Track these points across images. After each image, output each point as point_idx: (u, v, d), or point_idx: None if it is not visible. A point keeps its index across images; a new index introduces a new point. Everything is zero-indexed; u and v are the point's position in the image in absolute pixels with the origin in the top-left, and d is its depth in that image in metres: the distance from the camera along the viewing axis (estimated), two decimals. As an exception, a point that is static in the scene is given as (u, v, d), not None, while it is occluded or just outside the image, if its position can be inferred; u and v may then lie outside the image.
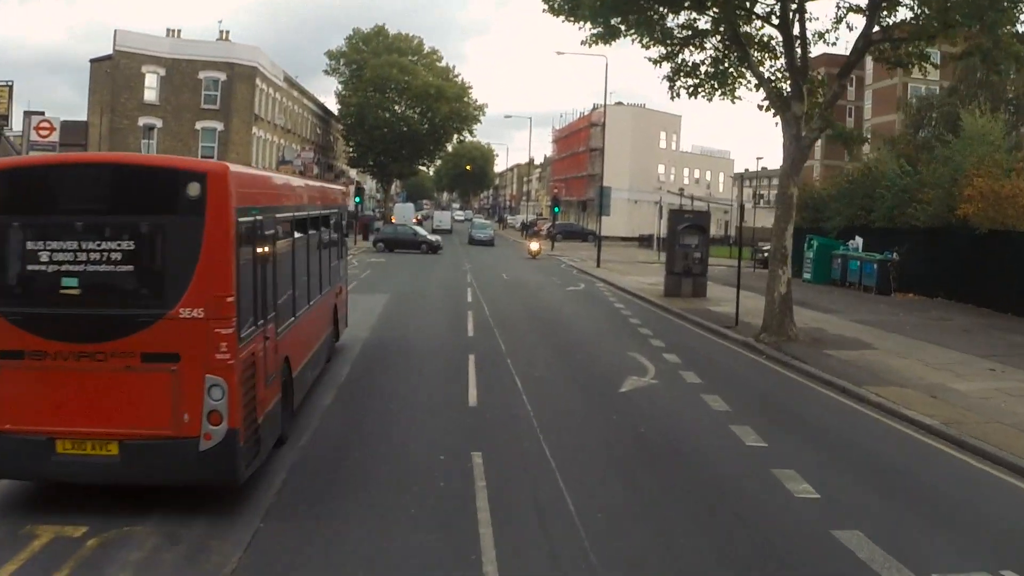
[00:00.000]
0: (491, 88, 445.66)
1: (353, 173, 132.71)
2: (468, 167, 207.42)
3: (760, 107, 26.66)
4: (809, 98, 25.22)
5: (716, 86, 28.47)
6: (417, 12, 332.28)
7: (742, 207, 33.04)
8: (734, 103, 29.58)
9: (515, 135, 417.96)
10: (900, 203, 41.77)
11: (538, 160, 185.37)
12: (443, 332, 25.21)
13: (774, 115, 25.96)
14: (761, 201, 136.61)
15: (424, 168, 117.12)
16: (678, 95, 28.85)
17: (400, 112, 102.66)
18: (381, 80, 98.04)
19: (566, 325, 27.86)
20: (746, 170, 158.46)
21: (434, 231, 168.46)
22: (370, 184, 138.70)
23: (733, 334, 26.11)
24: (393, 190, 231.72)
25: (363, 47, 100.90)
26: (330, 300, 19.05)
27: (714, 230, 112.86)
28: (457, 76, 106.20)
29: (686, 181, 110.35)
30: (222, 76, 67.44)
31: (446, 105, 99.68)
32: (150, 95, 66.27)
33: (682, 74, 28.56)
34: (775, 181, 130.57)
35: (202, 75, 67.23)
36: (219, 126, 67.30)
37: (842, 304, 35.52)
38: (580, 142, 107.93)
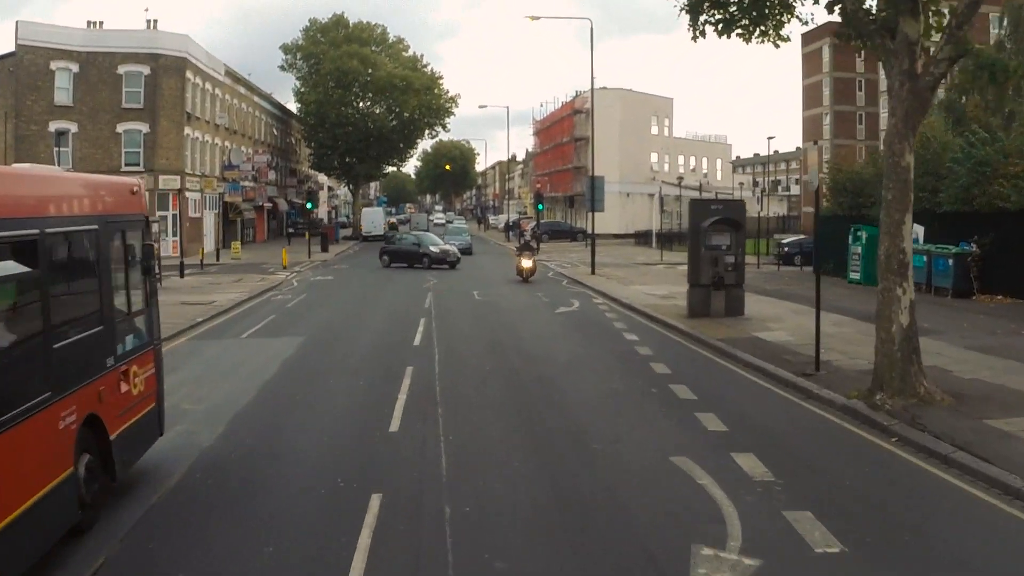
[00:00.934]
0: (466, 89, 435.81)
1: (323, 178, 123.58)
2: (447, 167, 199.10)
3: (839, 37, 17.53)
4: (928, 11, 15.95)
5: (755, 19, 19.17)
6: (384, 17, 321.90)
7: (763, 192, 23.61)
8: (778, 46, 19.96)
9: (497, 134, 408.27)
10: (979, 180, 32.45)
11: (520, 156, 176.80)
12: (350, 422, 15.30)
13: (862, 46, 16.81)
14: (765, 188, 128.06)
15: (396, 168, 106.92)
16: (702, 34, 19.54)
17: (365, 108, 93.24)
18: (341, 73, 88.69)
19: (558, 384, 18.20)
20: (755, 154, 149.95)
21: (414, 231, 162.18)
22: (344, 190, 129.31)
23: (822, 390, 16.66)
24: (372, 194, 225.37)
25: (321, 39, 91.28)
26: (89, 401, 9.77)
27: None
28: (426, 66, 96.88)
29: (681, 170, 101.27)
30: (145, 70, 58.25)
31: (415, 98, 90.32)
32: (62, 96, 57.11)
33: (707, 4, 19.32)
34: (784, 166, 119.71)
35: (122, 70, 58.09)
36: (144, 128, 58.20)
37: (923, 315, 26.24)
38: (563, 132, 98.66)
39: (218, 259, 56.80)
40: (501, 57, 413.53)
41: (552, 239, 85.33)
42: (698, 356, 21.91)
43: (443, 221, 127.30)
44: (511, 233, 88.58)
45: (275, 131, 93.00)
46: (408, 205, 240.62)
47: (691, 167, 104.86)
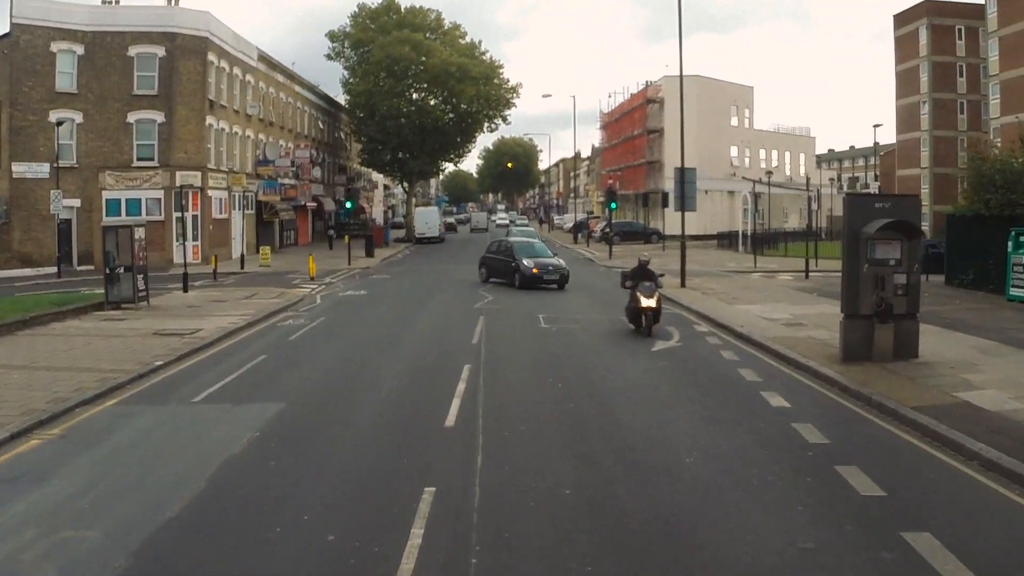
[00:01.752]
0: (528, 90, 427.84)
1: (378, 176, 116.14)
2: (509, 164, 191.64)
3: None
4: None
5: None
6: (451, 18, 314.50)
7: None
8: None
9: (559, 133, 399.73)
10: None
11: (584, 154, 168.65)
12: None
13: None
14: (865, 183, 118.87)
15: (453, 164, 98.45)
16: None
17: (418, 100, 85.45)
18: (392, 61, 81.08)
19: (700, 538, 9.61)
20: (829, 150, 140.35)
21: (472, 231, 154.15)
22: (401, 188, 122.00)
23: None
24: (432, 192, 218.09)
25: (370, 25, 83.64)
26: None
27: (795, 220, 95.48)
28: (484, 54, 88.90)
29: (763, 164, 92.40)
30: (160, 51, 51.13)
31: (472, 87, 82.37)
32: (65, 81, 50.19)
33: None
34: (862, 161, 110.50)
35: (133, 51, 51.03)
36: (159, 117, 51.03)
37: None
38: (634, 124, 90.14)
39: (243, 267, 49.29)
40: (562, 59, 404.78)
41: (623, 240, 77.08)
42: (898, 444, 13.41)
43: (506, 221, 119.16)
44: (580, 234, 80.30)
45: (320, 124, 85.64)
46: (470, 204, 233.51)
47: (773, 162, 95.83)
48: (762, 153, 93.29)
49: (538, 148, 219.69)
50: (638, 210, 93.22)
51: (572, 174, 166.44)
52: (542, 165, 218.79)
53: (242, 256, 50.65)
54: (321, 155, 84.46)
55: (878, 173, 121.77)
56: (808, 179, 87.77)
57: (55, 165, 48.11)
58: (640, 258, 26.03)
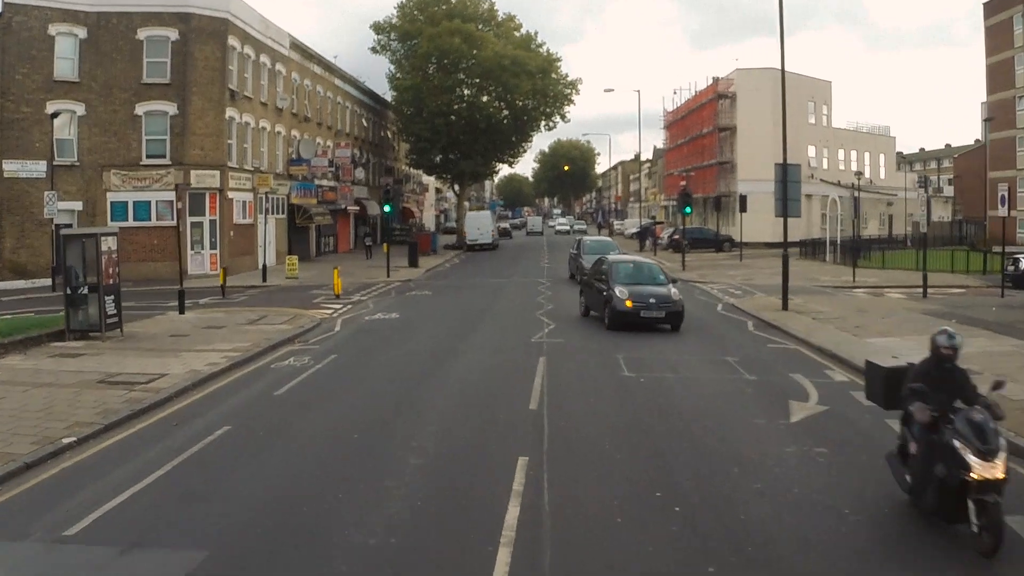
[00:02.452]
0: (585, 96, 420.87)
1: (428, 179, 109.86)
2: (566, 167, 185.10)
3: None
4: None
5: None
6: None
7: None
8: None
9: (616, 138, 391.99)
10: None
11: (645, 155, 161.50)
12: None
13: None
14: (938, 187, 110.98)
15: (508, 165, 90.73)
16: None
17: (470, 96, 78.89)
18: (441, 54, 74.74)
19: None
20: (898, 153, 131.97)
21: (528, 234, 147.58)
22: (452, 193, 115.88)
23: None
24: (487, 196, 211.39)
25: (418, 15, 77.21)
26: None
27: (875, 227, 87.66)
28: (541, 46, 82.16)
29: (841, 165, 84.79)
30: (173, 34, 45.11)
31: (528, 82, 75.65)
32: (64, 68, 44.42)
33: None
34: (935, 164, 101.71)
35: (143, 34, 45.09)
36: (171, 108, 44.87)
37: None
38: (703, 121, 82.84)
39: (264, 279, 42.99)
40: (613, 66, 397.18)
41: (693, 248, 70.02)
42: None
43: (567, 227, 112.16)
44: (647, 241, 73.29)
45: (364, 122, 79.35)
46: (525, 209, 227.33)
47: (853, 163, 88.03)
48: (840, 153, 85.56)
49: (596, 151, 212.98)
50: (706, 215, 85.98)
51: (631, 177, 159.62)
52: (599, 168, 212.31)
53: (263, 268, 44.14)
54: (365, 155, 78.22)
55: (952, 177, 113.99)
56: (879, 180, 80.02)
57: (52, 163, 42.07)
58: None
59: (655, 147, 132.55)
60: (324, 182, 63.65)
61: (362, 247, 75.62)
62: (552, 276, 46.55)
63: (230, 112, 46.82)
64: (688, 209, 52.68)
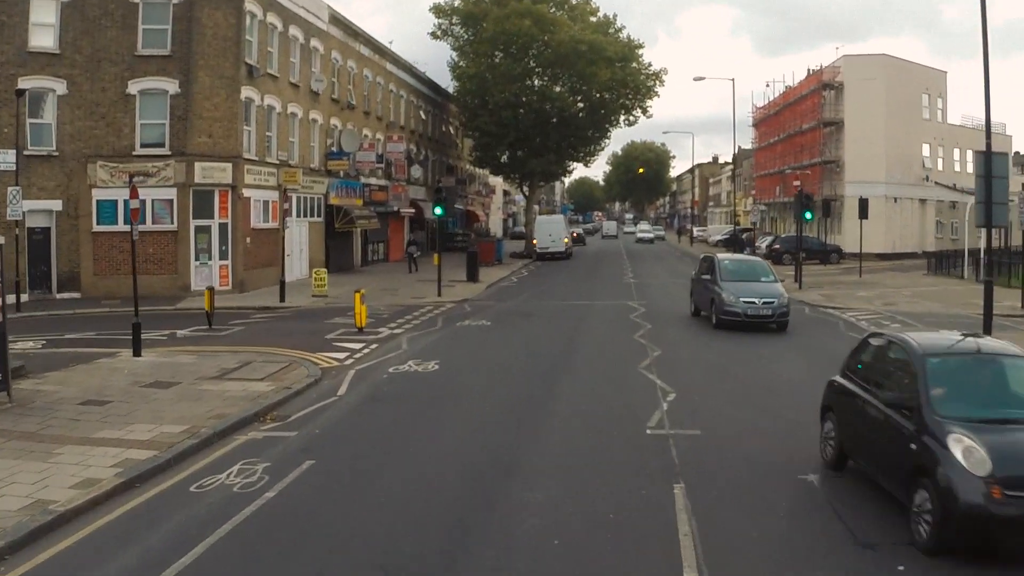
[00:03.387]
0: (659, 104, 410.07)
1: (496, 180, 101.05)
2: (640, 170, 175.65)
3: None
4: None
5: None
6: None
7: None
8: None
9: (686, 142, 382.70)
10: None
11: (738, 147, 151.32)
12: None
13: None
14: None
15: (584, 163, 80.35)
16: None
17: (541, 86, 69.91)
18: (508, 39, 65.94)
19: None
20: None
21: (603, 237, 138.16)
22: (520, 196, 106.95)
23: None
24: (557, 200, 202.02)
25: (483, -4, 68.54)
26: None
27: (994, 238, 76.78)
28: (621, 30, 72.95)
29: (957, 166, 74.40)
30: (174, -4, 36.24)
31: (606, 70, 66.48)
32: (42, 37, 35.91)
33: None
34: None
35: (139, -5, 36.20)
36: (171, 87, 36.39)
37: None
38: (804, 115, 72.75)
39: (283, 298, 34.35)
40: (689, 71, 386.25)
41: (794, 259, 60.49)
42: None
43: (650, 236, 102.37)
44: (744, 251, 63.60)
45: (423, 115, 70.53)
46: (596, 213, 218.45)
47: (968, 164, 77.36)
48: (955, 153, 75.09)
49: (671, 153, 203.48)
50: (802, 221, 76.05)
51: (711, 180, 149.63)
52: (674, 172, 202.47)
53: (282, 284, 35.19)
54: (423, 151, 69.50)
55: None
56: None
57: (24, 152, 33.82)
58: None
59: (739, 147, 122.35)
60: (372, 180, 55.06)
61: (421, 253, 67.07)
62: (644, 297, 37.23)
63: (247, 92, 38.18)
64: (809, 214, 42.89)
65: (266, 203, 40.11)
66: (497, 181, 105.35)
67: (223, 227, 37.20)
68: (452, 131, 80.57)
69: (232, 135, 37.19)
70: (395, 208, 59.55)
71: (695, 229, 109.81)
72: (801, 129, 72.94)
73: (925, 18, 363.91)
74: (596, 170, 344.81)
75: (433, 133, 74.56)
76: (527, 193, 76.75)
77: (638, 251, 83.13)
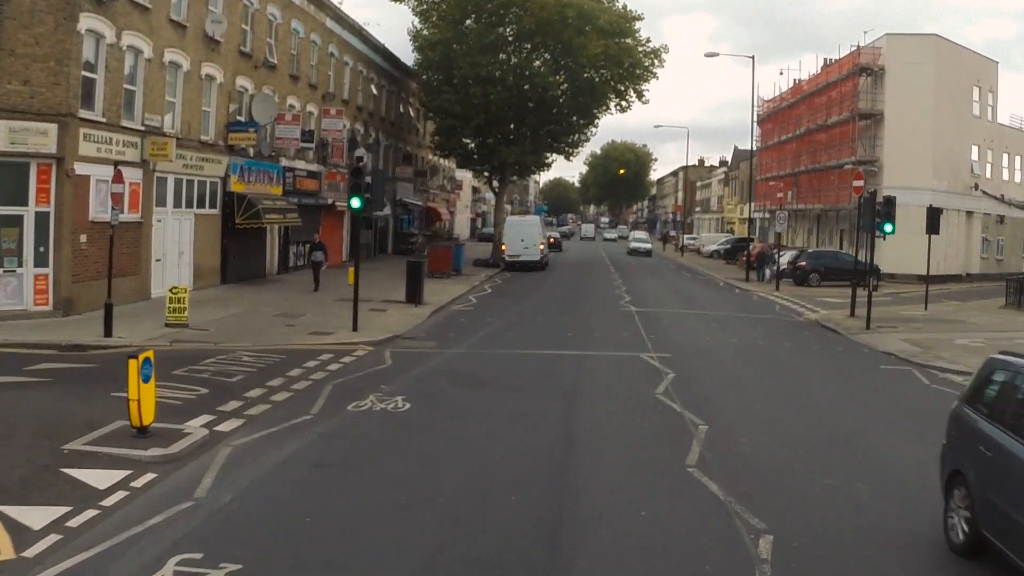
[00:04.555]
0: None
1: (464, 175, 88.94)
2: (621, 171, 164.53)
3: None
4: None
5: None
6: None
7: None
8: None
9: (664, 148, 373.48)
10: None
11: (750, 141, 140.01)
12: None
13: None
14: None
15: (566, 156, 66.84)
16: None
17: (518, 60, 57.87)
18: (480, 0, 54.16)
19: None
20: None
21: (582, 239, 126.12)
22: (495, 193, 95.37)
23: None
24: (531, 200, 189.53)
25: (453, -50, 56.47)
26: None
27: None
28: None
29: (1005, 174, 63.22)
30: None
31: (596, 42, 54.72)
32: None
33: None
34: None
35: None
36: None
37: None
38: (831, 106, 61.01)
39: (108, 331, 22.17)
40: (674, 81, 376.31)
41: (824, 280, 49.21)
42: None
43: (647, 246, 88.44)
44: (765, 270, 51.61)
45: (374, 90, 58.27)
46: (570, 216, 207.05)
47: (1017, 171, 66.04)
48: (1004, 159, 63.71)
49: (652, 156, 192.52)
50: (831, 234, 64.55)
51: (698, 184, 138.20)
52: (654, 175, 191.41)
53: (107, 310, 22.50)
54: (373, 134, 57.47)
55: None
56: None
57: None
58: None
59: (735, 147, 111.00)
60: (299, 164, 43.22)
61: (372, 257, 55.06)
62: (664, 344, 24.77)
63: (91, 23, 25.92)
64: (888, 227, 30.64)
65: (99, 187, 27.68)
66: (466, 176, 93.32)
67: (41, 218, 25.08)
68: (413, 114, 68.42)
69: (61, 83, 25.00)
70: (330, 201, 47.52)
71: (684, 237, 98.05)
72: (826, 123, 61.23)
73: (910, 30, 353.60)
74: (572, 170, 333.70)
75: (388, 113, 62.47)
76: (497, 189, 64.39)
77: (624, 261, 71.23)
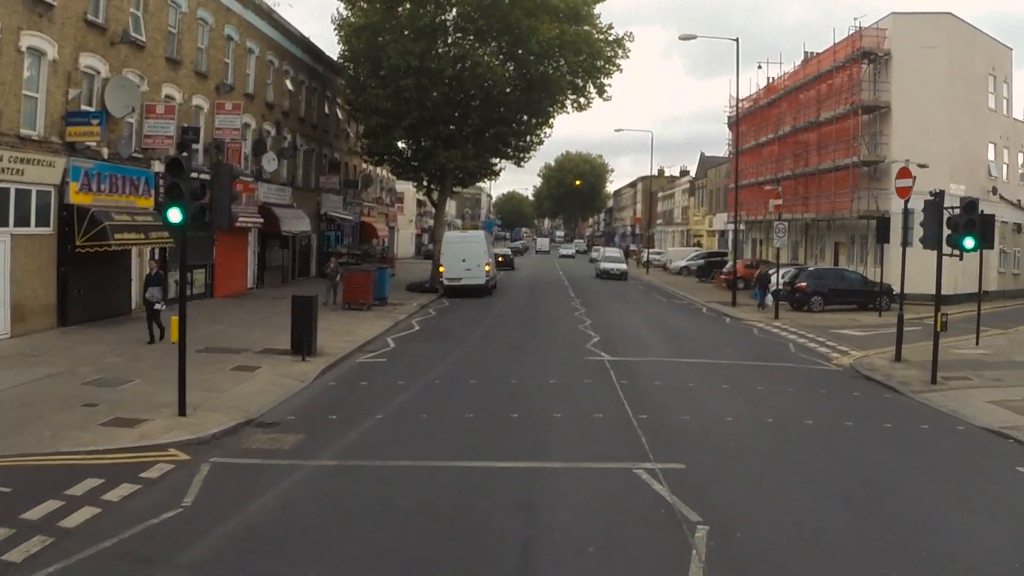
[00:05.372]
0: (610, 110, 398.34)
1: (406, 186, 79.99)
2: (577, 182, 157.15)
3: None
4: None
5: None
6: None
7: None
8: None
9: (618, 161, 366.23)
10: None
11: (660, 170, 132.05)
12: None
13: None
14: None
15: (516, 162, 57.15)
16: None
17: (459, 47, 48.97)
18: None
19: None
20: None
21: (537, 252, 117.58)
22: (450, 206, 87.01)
23: None
24: (483, 215, 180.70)
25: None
26: None
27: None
28: (574, -19, 52.16)
29: (1021, 170, 55.16)
30: None
31: (550, 28, 46.36)
32: None
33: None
34: None
35: None
36: None
37: None
38: (827, 99, 52.62)
39: None
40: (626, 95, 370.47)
41: (828, 303, 41.07)
42: None
43: (621, 267, 72.19)
44: (767, 295, 42.32)
45: (290, 85, 49.27)
46: (524, 230, 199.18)
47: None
48: (1020, 157, 55.68)
49: (608, 167, 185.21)
50: (823, 248, 56.33)
51: (659, 195, 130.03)
52: (611, 187, 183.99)
53: None
54: (289, 137, 48.64)
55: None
56: None
57: None
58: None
59: (702, 153, 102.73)
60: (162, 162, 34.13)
61: (282, 282, 46.29)
62: (671, 442, 15.72)
63: None
64: (969, 240, 21.74)
65: None
66: (409, 187, 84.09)
67: None
68: (342, 116, 59.43)
69: None
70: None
71: (648, 252, 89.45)
72: (817, 120, 52.94)
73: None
74: (526, 183, 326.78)
75: (310, 114, 53.54)
76: (436, 199, 55.11)
77: (586, 282, 62.10)
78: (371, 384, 20.53)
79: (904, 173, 25.46)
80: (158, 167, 32.45)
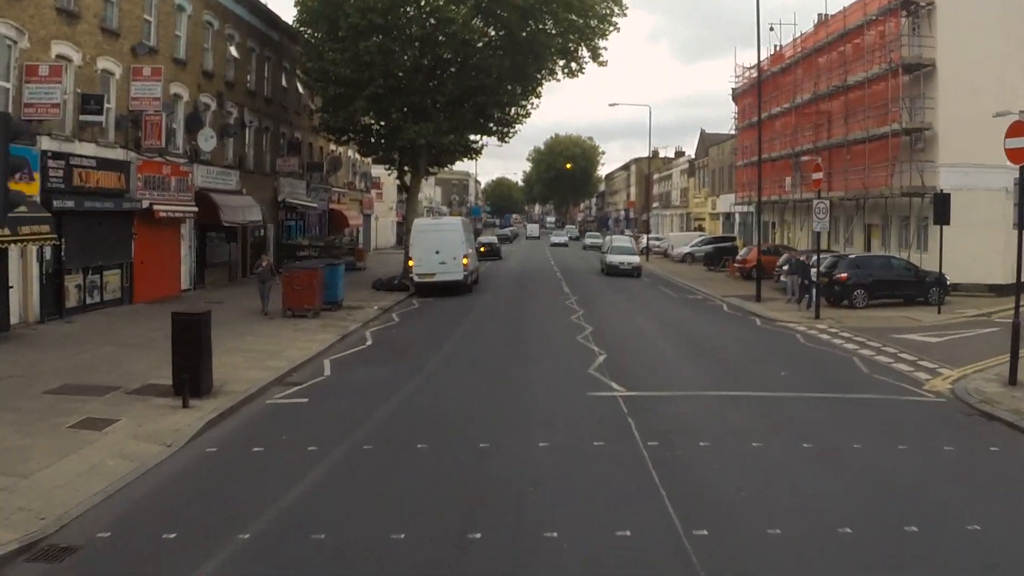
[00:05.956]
0: (593, 92, 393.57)
1: (381, 171, 72.61)
2: (568, 165, 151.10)
3: None
4: None
5: None
6: None
7: None
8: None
9: (609, 144, 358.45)
10: None
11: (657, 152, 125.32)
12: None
13: None
14: None
15: (499, 139, 49.85)
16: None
17: (431, 5, 41.89)
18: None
19: None
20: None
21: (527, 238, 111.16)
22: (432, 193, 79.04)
23: None
24: (471, 201, 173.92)
25: None
26: None
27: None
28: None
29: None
30: None
31: (537, -13, 39.67)
32: None
33: None
34: None
35: None
36: None
37: None
38: (853, 60, 45.83)
39: None
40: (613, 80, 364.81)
41: (872, 297, 34.29)
42: None
43: (635, 262, 60.77)
44: (807, 294, 34.72)
45: (234, 52, 42.33)
46: (514, 216, 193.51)
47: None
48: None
49: (600, 149, 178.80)
50: (853, 232, 49.55)
51: (655, 177, 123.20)
52: (603, 170, 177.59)
53: None
54: (235, 112, 41.87)
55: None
56: None
57: None
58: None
59: (702, 131, 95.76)
60: (83, 148, 27.69)
61: (236, 280, 39.57)
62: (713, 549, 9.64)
63: None
64: None
65: None
66: (383, 174, 76.80)
67: None
68: (303, 91, 52.36)
69: None
70: (145, 204, 31.79)
71: (647, 237, 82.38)
72: (844, 85, 46.16)
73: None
74: (516, 168, 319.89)
75: (262, 87, 46.70)
76: (406, 182, 48.05)
77: (582, 275, 54.72)
78: (267, 452, 13.57)
79: (1017, 129, 18.71)
80: (48, 144, 25.77)
